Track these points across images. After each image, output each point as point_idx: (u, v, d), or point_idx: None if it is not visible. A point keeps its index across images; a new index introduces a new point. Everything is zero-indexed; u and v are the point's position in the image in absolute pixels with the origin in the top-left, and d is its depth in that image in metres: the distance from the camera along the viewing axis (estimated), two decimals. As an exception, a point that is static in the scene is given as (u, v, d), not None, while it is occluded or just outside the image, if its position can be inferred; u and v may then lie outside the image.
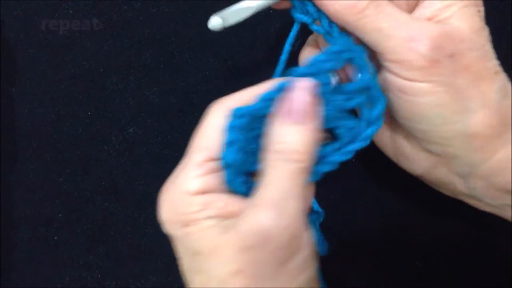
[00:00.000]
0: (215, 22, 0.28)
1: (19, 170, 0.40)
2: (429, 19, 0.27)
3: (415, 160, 0.30)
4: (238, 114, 0.25)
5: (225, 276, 0.24)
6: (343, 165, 0.31)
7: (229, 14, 0.29)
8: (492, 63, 0.27)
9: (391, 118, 0.30)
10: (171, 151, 0.39)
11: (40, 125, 0.40)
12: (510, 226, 0.36)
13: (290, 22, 0.30)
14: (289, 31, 0.31)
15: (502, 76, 0.27)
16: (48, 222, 0.39)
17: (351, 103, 0.27)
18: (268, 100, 0.26)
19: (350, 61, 0.27)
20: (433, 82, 0.25)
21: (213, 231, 0.24)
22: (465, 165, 0.28)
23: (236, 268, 0.24)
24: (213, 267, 0.24)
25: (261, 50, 0.40)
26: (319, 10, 0.28)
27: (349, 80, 0.28)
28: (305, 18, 0.29)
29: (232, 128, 0.25)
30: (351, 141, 0.28)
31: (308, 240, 0.26)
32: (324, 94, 0.27)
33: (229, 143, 0.25)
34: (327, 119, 0.27)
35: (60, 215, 0.39)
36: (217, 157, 0.25)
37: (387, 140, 0.32)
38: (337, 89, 0.27)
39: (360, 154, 0.38)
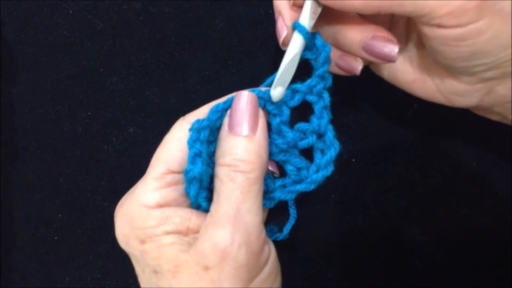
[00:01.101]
0: (278, 92, 0.28)
1: (19, 170, 0.40)
2: None
3: (470, 93, 0.29)
4: (200, 127, 0.25)
5: None
6: (343, 165, 0.31)
7: (282, 76, 0.28)
8: None
9: (436, 69, 0.29)
10: (171, 151, 0.39)
11: (40, 125, 0.40)
12: (510, 226, 0.36)
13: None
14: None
15: None
16: (48, 222, 0.39)
17: (303, 142, 0.28)
18: (220, 112, 0.26)
19: (312, 104, 0.28)
20: (487, 16, 0.25)
21: (172, 249, 0.24)
22: None
23: None
24: (175, 287, 0.23)
25: (261, 50, 0.40)
26: (325, 43, 0.28)
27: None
28: (308, 54, 0.29)
29: (195, 140, 0.25)
30: (297, 182, 0.28)
31: (269, 254, 0.25)
32: (280, 126, 0.28)
33: (195, 155, 0.25)
34: (278, 150, 0.28)
35: (60, 215, 0.39)
36: (176, 170, 0.25)
37: (434, 89, 0.31)
38: (286, 124, 0.28)
39: (360, 154, 0.38)
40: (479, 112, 0.32)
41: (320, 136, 0.28)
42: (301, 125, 0.29)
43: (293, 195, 0.28)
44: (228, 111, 0.26)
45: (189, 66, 0.40)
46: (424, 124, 0.38)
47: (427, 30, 0.26)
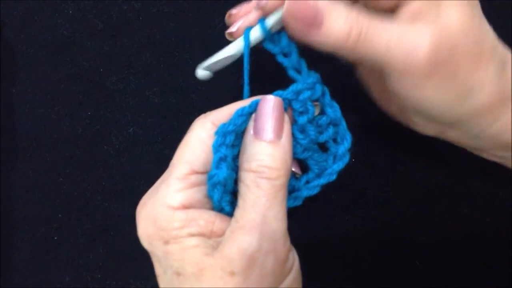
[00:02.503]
0: (203, 74, 0.28)
1: (19, 170, 0.40)
2: (416, 14, 0.25)
3: (426, 127, 0.30)
4: (226, 131, 0.25)
5: None
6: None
7: (213, 64, 0.29)
8: (489, 41, 0.26)
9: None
10: (171, 151, 0.39)
11: (40, 125, 0.40)
12: (510, 226, 0.36)
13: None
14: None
15: (500, 48, 0.27)
16: (48, 222, 0.39)
17: (323, 136, 0.28)
18: (245, 115, 0.26)
19: (320, 96, 0.28)
20: (436, 80, 0.25)
21: (197, 252, 0.23)
22: (471, 130, 0.28)
23: None
24: None
25: (261, 50, 0.40)
26: (290, 43, 0.28)
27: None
28: (275, 49, 0.29)
29: (221, 145, 0.25)
30: (318, 175, 0.28)
31: (293, 261, 0.25)
32: (303, 124, 0.28)
33: (220, 160, 0.24)
34: (302, 148, 0.28)
35: (60, 215, 0.39)
36: (200, 171, 0.25)
37: (397, 110, 0.32)
38: (312, 121, 0.28)
39: (360, 154, 0.38)
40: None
41: (336, 125, 0.29)
42: (318, 119, 0.29)
43: (318, 189, 0.28)
44: (253, 115, 0.26)
45: (189, 66, 0.40)
46: (424, 124, 0.38)
47: (384, 78, 0.27)
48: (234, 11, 0.30)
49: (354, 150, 0.38)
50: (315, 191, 0.28)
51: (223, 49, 0.28)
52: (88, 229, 0.39)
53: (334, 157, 0.28)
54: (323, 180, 0.28)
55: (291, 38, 0.28)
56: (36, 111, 0.40)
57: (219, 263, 0.23)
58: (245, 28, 0.28)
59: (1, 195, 0.39)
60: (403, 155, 0.38)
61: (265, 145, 0.25)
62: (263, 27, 0.27)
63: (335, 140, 0.29)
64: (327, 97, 0.29)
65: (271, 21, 0.27)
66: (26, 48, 0.41)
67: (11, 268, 0.39)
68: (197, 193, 0.25)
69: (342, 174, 0.37)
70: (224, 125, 0.25)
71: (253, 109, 0.26)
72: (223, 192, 0.25)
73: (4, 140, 0.40)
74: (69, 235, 0.39)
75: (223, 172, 0.24)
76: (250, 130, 0.25)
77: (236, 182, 0.26)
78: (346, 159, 0.28)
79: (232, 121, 0.25)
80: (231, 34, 0.29)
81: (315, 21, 0.24)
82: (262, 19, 0.27)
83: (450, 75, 0.25)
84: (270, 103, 0.26)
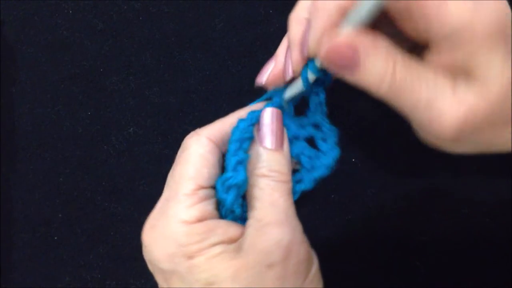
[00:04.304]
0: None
1: (19, 170, 0.40)
2: (448, 69, 0.24)
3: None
4: (242, 137, 0.27)
5: None
6: (343, 165, 0.31)
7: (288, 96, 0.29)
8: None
9: None
10: (171, 151, 0.39)
11: (40, 125, 0.40)
12: (510, 226, 0.36)
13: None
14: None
15: None
16: (48, 222, 0.39)
17: (304, 132, 0.30)
18: (248, 127, 0.27)
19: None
20: (459, 143, 0.25)
21: (224, 257, 0.24)
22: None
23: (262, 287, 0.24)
24: None
25: (261, 50, 0.40)
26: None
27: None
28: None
29: (238, 149, 0.26)
30: (310, 170, 0.29)
31: (314, 255, 0.27)
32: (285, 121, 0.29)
33: (237, 163, 0.26)
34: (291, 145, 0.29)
35: (60, 215, 0.39)
36: (205, 185, 0.26)
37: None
38: (295, 119, 0.30)
39: (360, 154, 0.38)
40: None
41: (318, 126, 0.30)
42: (300, 119, 0.30)
43: (312, 184, 0.29)
44: (257, 126, 0.27)
45: (189, 66, 0.40)
46: (424, 124, 0.38)
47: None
48: (265, 77, 0.29)
49: (354, 150, 0.38)
50: (309, 185, 0.29)
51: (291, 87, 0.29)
52: (88, 229, 0.39)
53: (323, 153, 0.30)
54: (316, 174, 0.29)
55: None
56: (36, 111, 0.40)
57: (254, 259, 0.24)
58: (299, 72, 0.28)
59: (1, 195, 0.39)
60: (403, 155, 0.38)
61: (270, 152, 0.26)
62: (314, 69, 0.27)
63: (323, 139, 0.30)
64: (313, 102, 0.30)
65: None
66: (26, 48, 0.41)
67: (11, 268, 0.39)
68: (208, 206, 0.25)
69: (342, 174, 0.37)
70: (240, 131, 0.27)
71: (254, 121, 0.27)
72: (237, 195, 0.26)
73: (4, 140, 0.40)
74: (69, 235, 0.39)
75: (241, 175, 0.25)
76: (257, 139, 0.27)
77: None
78: (336, 151, 0.29)
79: (247, 127, 0.27)
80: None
81: (351, 65, 0.24)
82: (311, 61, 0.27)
83: (475, 141, 0.25)
84: (271, 114, 0.27)
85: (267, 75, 0.29)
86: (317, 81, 0.29)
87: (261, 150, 0.26)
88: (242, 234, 0.25)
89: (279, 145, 0.27)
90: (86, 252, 0.39)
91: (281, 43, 0.29)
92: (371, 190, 0.38)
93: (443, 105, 0.24)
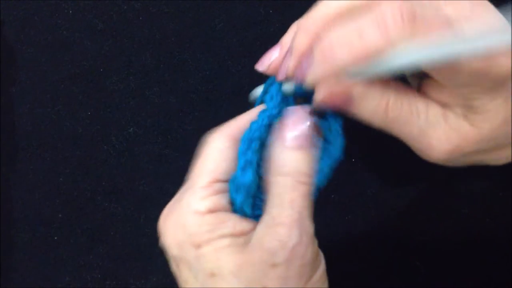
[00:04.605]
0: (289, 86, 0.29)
1: (19, 170, 0.40)
2: (444, 107, 0.26)
3: None
4: (252, 137, 0.26)
5: None
6: (343, 164, 0.31)
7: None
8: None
9: None
10: (171, 151, 0.39)
11: (40, 125, 0.40)
12: (510, 226, 0.36)
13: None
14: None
15: None
16: (48, 222, 0.39)
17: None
18: (264, 126, 0.27)
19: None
20: (452, 163, 0.27)
21: (231, 250, 0.24)
22: None
23: (261, 286, 0.24)
24: (237, 286, 0.24)
25: (261, 50, 0.40)
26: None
27: None
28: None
29: (247, 149, 0.26)
30: (319, 163, 0.29)
31: (321, 258, 0.27)
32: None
33: (246, 163, 0.25)
34: None
35: (60, 215, 0.39)
36: (222, 179, 0.26)
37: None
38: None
39: (360, 154, 0.38)
40: None
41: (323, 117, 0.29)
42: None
43: (325, 178, 0.29)
44: (280, 124, 0.27)
45: (189, 66, 0.40)
46: (424, 124, 0.38)
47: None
48: (270, 60, 0.30)
49: (354, 150, 0.38)
50: (322, 179, 0.29)
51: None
52: (88, 229, 0.39)
53: (328, 156, 0.29)
54: (325, 166, 0.28)
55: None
56: (36, 111, 0.40)
57: (259, 256, 0.24)
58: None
59: (1, 195, 0.39)
60: (403, 155, 0.38)
61: (296, 152, 0.26)
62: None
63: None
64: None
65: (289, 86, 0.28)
66: (26, 48, 0.41)
67: (11, 268, 0.39)
68: (222, 199, 0.25)
69: (342, 174, 0.37)
70: (250, 131, 0.26)
71: (275, 118, 0.27)
72: (248, 196, 0.25)
73: (4, 140, 0.40)
74: (69, 235, 0.39)
75: (249, 176, 0.25)
76: (282, 138, 0.27)
77: (259, 187, 0.26)
78: (341, 140, 0.29)
79: (258, 128, 0.26)
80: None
81: (346, 104, 0.26)
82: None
83: (468, 161, 0.27)
84: (302, 112, 0.27)
85: (268, 64, 0.29)
86: None
87: (284, 148, 0.26)
88: (252, 229, 0.25)
89: (306, 145, 0.26)
90: (86, 252, 0.39)
91: (289, 31, 0.29)
92: (371, 190, 0.38)
93: (434, 134, 0.26)
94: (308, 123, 0.27)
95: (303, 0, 0.38)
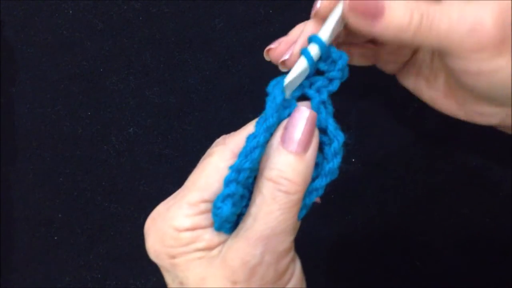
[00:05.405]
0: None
1: (19, 170, 0.40)
2: None
3: (490, 114, 0.29)
4: (241, 168, 0.25)
5: None
6: (343, 165, 0.31)
7: (290, 84, 0.28)
8: None
9: (459, 90, 0.29)
10: (171, 151, 0.39)
11: (40, 125, 0.40)
12: (510, 226, 0.36)
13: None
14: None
15: None
16: (48, 222, 0.39)
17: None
18: (260, 147, 0.25)
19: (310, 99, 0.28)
20: (507, 52, 0.25)
21: (200, 263, 0.24)
22: None
23: None
24: None
25: (261, 50, 0.40)
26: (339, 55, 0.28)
27: None
28: (323, 65, 0.28)
29: (232, 181, 0.25)
30: (315, 178, 0.28)
31: (293, 272, 0.26)
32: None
33: (227, 196, 0.25)
34: None
35: (60, 215, 0.39)
36: (210, 200, 0.25)
37: (456, 108, 0.31)
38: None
39: (360, 154, 0.38)
40: (501, 129, 0.32)
41: (324, 130, 0.28)
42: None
43: (319, 192, 0.28)
44: (284, 122, 0.26)
45: (189, 66, 0.40)
46: (424, 124, 0.38)
47: (449, 62, 0.26)
48: (273, 46, 0.29)
49: (354, 150, 0.38)
50: (315, 195, 0.28)
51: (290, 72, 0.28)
52: (88, 229, 0.39)
53: (327, 159, 0.28)
54: (318, 183, 0.27)
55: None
56: (36, 111, 0.40)
57: (221, 273, 0.24)
58: (298, 52, 0.28)
59: (1, 195, 0.39)
60: (403, 155, 0.38)
61: (289, 156, 0.25)
62: (319, 42, 0.27)
63: (329, 144, 0.29)
64: (315, 101, 0.28)
65: (325, 33, 0.27)
66: (26, 48, 0.41)
67: (11, 268, 0.39)
68: (205, 220, 0.25)
69: (342, 174, 0.37)
70: (240, 161, 0.25)
71: (266, 139, 0.26)
72: (224, 222, 0.25)
73: (4, 140, 0.40)
74: (69, 235, 0.39)
75: (227, 209, 0.24)
76: (278, 137, 0.25)
77: (244, 205, 0.26)
78: (337, 160, 0.27)
79: (248, 158, 0.25)
80: (284, 62, 0.29)
81: (376, 12, 0.25)
82: (314, 35, 0.27)
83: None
84: (304, 114, 0.26)
85: (278, 43, 0.29)
86: (319, 80, 0.28)
87: (277, 149, 0.25)
88: (223, 242, 0.25)
89: (301, 150, 0.25)
90: (86, 252, 0.39)
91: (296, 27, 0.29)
92: (371, 190, 0.38)
93: (477, 10, 0.24)
94: (310, 126, 0.26)
95: (303, 0, 0.38)
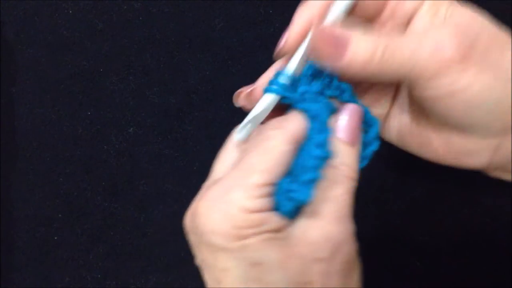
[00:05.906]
0: (240, 136, 0.29)
1: (19, 170, 0.40)
2: (427, 24, 0.27)
3: (477, 151, 0.30)
4: (321, 155, 0.26)
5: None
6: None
7: (248, 126, 0.28)
8: (502, 31, 0.27)
9: (441, 129, 0.30)
10: (171, 151, 0.39)
11: (40, 125, 0.40)
12: (510, 226, 0.36)
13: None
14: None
15: None
16: (48, 222, 0.39)
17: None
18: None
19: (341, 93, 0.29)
20: (471, 67, 0.25)
21: (275, 243, 0.25)
22: None
23: (305, 280, 0.24)
24: (278, 279, 0.24)
25: (261, 50, 0.40)
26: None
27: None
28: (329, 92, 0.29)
29: (314, 168, 0.25)
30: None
31: (359, 261, 0.27)
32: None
33: (310, 181, 0.25)
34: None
35: (60, 215, 0.39)
36: (274, 183, 0.26)
37: (442, 151, 0.31)
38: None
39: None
40: (494, 174, 0.32)
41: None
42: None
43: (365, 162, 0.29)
44: (341, 117, 0.27)
45: (189, 66, 0.40)
46: (424, 124, 0.38)
47: (418, 93, 0.27)
48: (241, 90, 0.30)
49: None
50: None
51: (253, 110, 0.28)
52: (88, 229, 0.39)
53: (365, 144, 0.29)
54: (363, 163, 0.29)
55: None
56: (36, 111, 0.40)
57: (302, 250, 0.24)
58: (263, 86, 0.28)
59: (1, 195, 0.39)
60: (403, 155, 0.38)
61: (347, 147, 0.27)
62: (284, 74, 0.28)
63: (365, 130, 0.30)
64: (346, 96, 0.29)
65: (292, 65, 0.28)
66: (26, 48, 0.41)
67: (11, 268, 0.39)
68: (269, 203, 0.26)
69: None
70: (320, 151, 0.26)
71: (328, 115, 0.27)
72: (297, 206, 0.25)
73: (4, 140, 0.40)
74: (69, 235, 0.39)
75: (308, 193, 0.25)
76: (336, 130, 0.27)
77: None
78: (376, 143, 0.29)
79: (322, 141, 0.26)
80: (249, 95, 0.30)
81: (340, 45, 0.26)
82: (278, 72, 0.28)
83: (482, 59, 0.26)
84: (359, 111, 0.28)
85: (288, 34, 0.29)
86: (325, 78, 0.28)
87: (336, 141, 0.27)
88: (289, 224, 0.25)
89: (355, 141, 0.27)
90: (86, 252, 0.39)
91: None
92: (371, 190, 0.38)
93: (436, 34, 0.26)
94: (360, 120, 0.28)
95: (303, 0, 0.38)
